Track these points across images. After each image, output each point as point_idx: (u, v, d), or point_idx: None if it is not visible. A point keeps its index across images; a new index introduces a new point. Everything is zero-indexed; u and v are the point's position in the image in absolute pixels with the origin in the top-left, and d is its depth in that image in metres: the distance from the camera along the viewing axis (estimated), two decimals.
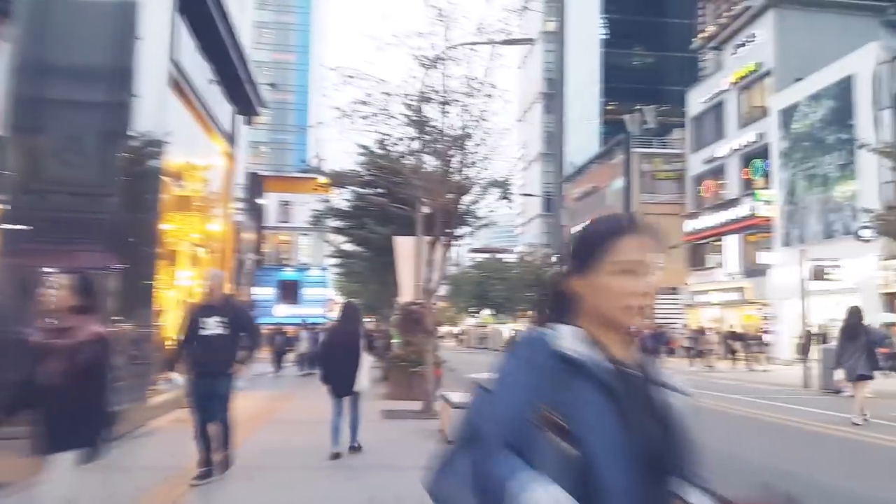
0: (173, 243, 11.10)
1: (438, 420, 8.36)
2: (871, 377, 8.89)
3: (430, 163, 10.19)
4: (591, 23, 54.45)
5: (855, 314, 9.49)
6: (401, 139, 10.10)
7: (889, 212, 12.69)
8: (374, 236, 16.20)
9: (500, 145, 10.11)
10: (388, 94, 9.70)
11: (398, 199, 15.25)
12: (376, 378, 11.80)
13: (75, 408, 3.05)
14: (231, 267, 14.15)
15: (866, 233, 18.17)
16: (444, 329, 75.00)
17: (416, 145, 9.96)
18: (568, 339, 1.14)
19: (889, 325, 15.28)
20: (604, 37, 52.87)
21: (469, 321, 64.06)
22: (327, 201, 18.67)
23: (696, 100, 31.51)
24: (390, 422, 8.79)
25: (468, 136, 9.49)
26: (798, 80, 23.11)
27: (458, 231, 17.10)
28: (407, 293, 14.37)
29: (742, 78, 27.33)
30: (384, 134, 10.14)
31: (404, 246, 14.79)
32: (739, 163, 27.58)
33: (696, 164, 31.35)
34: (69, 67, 7.76)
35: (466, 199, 14.38)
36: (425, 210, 13.56)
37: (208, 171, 13.19)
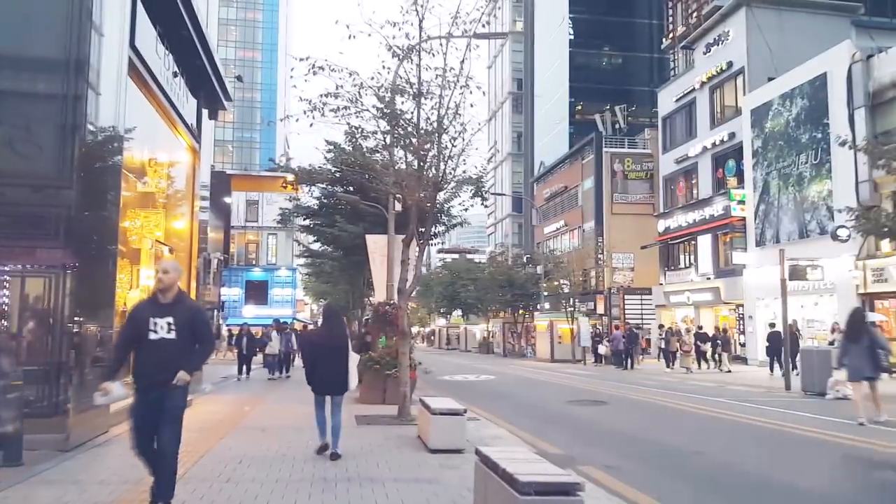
0: (135, 241, 10.53)
1: (416, 426, 8.02)
2: (876, 378, 9.05)
3: (404, 158, 9.82)
4: (559, 23, 54.73)
5: (857, 315, 9.68)
6: (373, 133, 9.70)
7: (870, 211, 12.77)
8: (343, 235, 15.77)
9: (474, 140, 9.81)
10: (359, 85, 9.30)
11: (369, 197, 14.89)
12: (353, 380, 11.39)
13: None
14: (196, 266, 13.53)
15: (843, 232, 18.39)
16: (414, 330, 74.84)
17: (388, 139, 9.57)
18: None
19: (872, 324, 15.38)
20: (570, 37, 53.17)
21: (439, 322, 63.83)
22: (296, 199, 18.13)
23: (667, 99, 31.79)
24: (365, 428, 8.40)
25: (444, 129, 9.15)
26: (770, 79, 23.40)
27: (433, 230, 16.83)
28: (379, 293, 13.99)
29: (713, 77, 27.62)
30: (354, 127, 9.71)
31: (376, 244, 14.41)
32: (712, 162, 27.87)
33: (667, 163, 31.63)
34: (20, 57, 7.36)
35: (440, 196, 14.13)
36: (398, 208, 13.22)
37: (172, 166, 12.58)
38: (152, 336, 4.16)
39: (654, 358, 25.96)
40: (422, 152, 9.25)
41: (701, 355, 21.78)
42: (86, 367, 7.11)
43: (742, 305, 25.04)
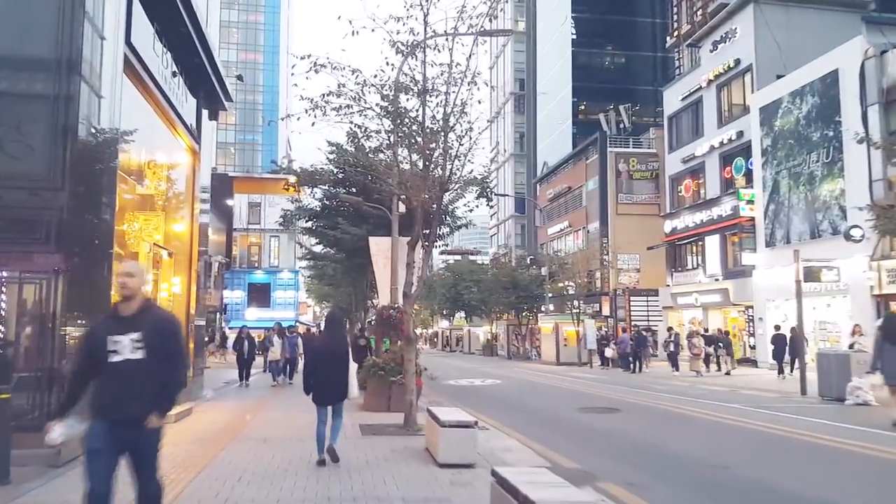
0: (133, 244, 10.22)
1: (423, 437, 7.68)
2: None
3: (408, 157, 9.51)
4: (561, 22, 54.40)
5: (893, 319, 9.79)
6: (377, 132, 9.38)
7: (892, 209, 12.34)
8: (346, 237, 15.46)
9: (480, 139, 9.50)
10: (362, 83, 9.00)
11: (373, 199, 14.58)
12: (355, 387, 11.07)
13: None
14: (197, 269, 13.22)
15: (856, 232, 17.98)
16: (417, 332, 74.49)
17: (392, 138, 9.25)
18: None
19: None
20: (573, 36, 52.83)
21: (442, 324, 63.42)
22: (298, 202, 17.83)
23: (673, 98, 31.41)
24: (370, 439, 8.06)
25: (450, 127, 8.83)
26: (779, 76, 23.00)
27: (438, 231, 16.51)
28: (384, 296, 13.67)
29: (720, 75, 27.23)
30: (357, 126, 9.39)
31: (380, 247, 14.11)
32: (719, 161, 27.47)
33: (673, 162, 31.24)
34: (10, 54, 7.16)
35: (446, 197, 13.83)
36: (402, 209, 12.90)
37: (171, 167, 12.29)
38: (113, 358, 3.29)
39: (661, 361, 25.53)
40: (427, 151, 8.93)
41: (706, 358, 21.43)
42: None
43: (751, 307, 24.63)
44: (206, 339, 24.77)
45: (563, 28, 54.24)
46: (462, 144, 8.88)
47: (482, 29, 11.57)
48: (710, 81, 28.04)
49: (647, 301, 33.99)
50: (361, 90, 9.06)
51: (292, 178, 17.31)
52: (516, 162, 61.72)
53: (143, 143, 10.04)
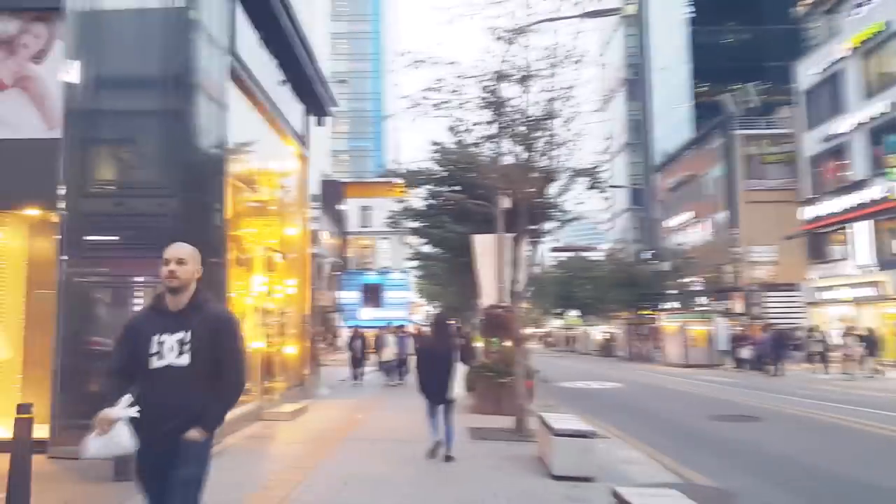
0: (246, 249, 10.60)
1: (535, 443, 7.13)
2: None
3: (510, 149, 9.02)
4: (674, 1, 51.04)
5: None
6: (476, 124, 8.96)
7: None
8: (451, 235, 15.19)
9: (588, 124, 8.77)
10: (460, 75, 8.67)
11: (476, 195, 14.19)
12: (465, 388, 10.77)
13: None
14: (310, 271, 13.60)
15: None
16: (528, 331, 73.46)
17: (493, 129, 8.80)
18: None
19: None
20: (690, 15, 49.30)
21: (554, 323, 61.85)
22: (403, 202, 17.90)
23: (807, 72, 28.17)
24: (479, 443, 7.64)
25: (553, 114, 8.22)
26: None
27: (544, 226, 15.78)
28: (488, 295, 13.22)
29: (865, 41, 23.92)
30: (458, 119, 9.02)
31: (484, 244, 13.66)
32: (867, 138, 24.14)
33: (811, 143, 27.98)
34: (125, 77, 7.40)
35: (552, 189, 13.12)
36: (506, 204, 12.39)
37: (281, 173, 12.69)
38: (155, 363, 2.76)
39: (800, 363, 22.88)
40: (529, 141, 8.39)
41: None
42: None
43: None
44: (319, 337, 25.81)
45: (677, 6, 50.90)
46: (569, 129, 8.23)
47: (588, 10, 10.85)
48: (853, 49, 24.77)
49: (786, 297, 30.73)
50: (460, 82, 8.74)
51: (398, 180, 17.43)
52: (632, 152, 58.86)
53: (254, 150, 10.37)
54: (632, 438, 8.30)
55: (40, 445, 5.77)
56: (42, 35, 7.46)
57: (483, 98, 8.69)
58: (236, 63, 8.85)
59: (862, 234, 24.18)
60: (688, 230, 40.59)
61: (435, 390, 6.66)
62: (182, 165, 7.21)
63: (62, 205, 6.81)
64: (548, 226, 16.29)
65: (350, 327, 28.17)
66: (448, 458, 6.48)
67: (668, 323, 32.08)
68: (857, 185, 24.16)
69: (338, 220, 35.32)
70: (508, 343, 10.65)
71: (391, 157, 49.51)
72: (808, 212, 27.32)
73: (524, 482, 5.71)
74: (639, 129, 58.97)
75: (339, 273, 38.71)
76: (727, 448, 7.88)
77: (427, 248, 21.19)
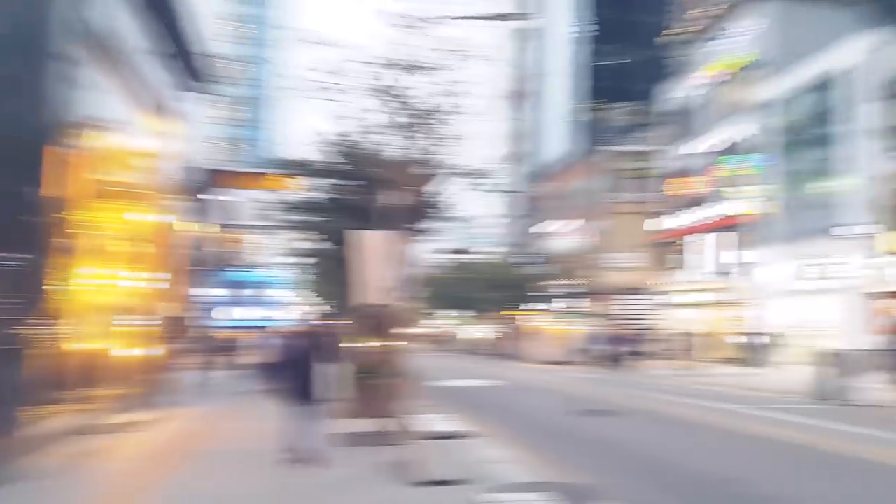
0: (87, 236, 9.38)
1: (403, 448, 6.91)
2: None
3: (395, 141, 8.78)
4: (563, 19, 53.86)
5: None
6: (364, 111, 8.61)
7: None
8: (331, 230, 14.63)
9: (476, 124, 8.77)
10: (349, 59, 8.30)
11: (359, 189, 13.79)
12: (333, 390, 10.30)
13: None
14: (170, 265, 12.41)
15: (858, 230, 17.44)
16: (406, 331, 73.70)
17: (379, 119, 8.52)
18: None
19: None
20: (575, 34, 52.30)
21: (433, 322, 62.67)
22: (281, 194, 17.03)
23: (673, 94, 30.81)
24: (351, 450, 7.32)
25: (441, 108, 8.10)
26: (784, 72, 22.39)
27: (427, 224, 15.70)
28: (366, 294, 12.88)
29: (723, 70, 26.61)
30: (344, 105, 8.61)
31: (364, 240, 13.31)
32: (719, 158, 26.86)
33: (667, 161, 30.64)
34: None
35: (436, 187, 13.02)
36: (389, 200, 12.13)
37: (140, 152, 11.48)
38: None
39: (653, 360, 24.93)
40: (415, 133, 8.20)
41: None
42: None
43: (748, 305, 24.03)
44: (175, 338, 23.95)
45: (565, 25, 53.68)
46: (456, 126, 8.15)
47: (485, 14, 10.90)
48: (711, 77, 27.42)
49: (640, 300, 33.43)
50: (348, 67, 8.37)
51: (279, 171, 16.53)
52: (514, 160, 61.05)
53: (107, 124, 9.23)
54: (501, 436, 8.37)
55: None
56: None
57: (371, 85, 8.38)
58: (87, 23, 7.80)
59: (710, 244, 26.85)
60: (560, 237, 42.87)
61: (299, 393, 6.43)
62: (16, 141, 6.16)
63: None
64: (430, 224, 16.27)
65: (215, 327, 26.52)
66: (313, 461, 6.34)
67: (537, 323, 33.63)
68: (708, 200, 26.77)
69: (210, 210, 32.99)
70: (385, 343, 10.39)
71: (274, 147, 47.37)
72: (665, 223, 29.88)
73: (384, 491, 5.47)
74: (522, 139, 61.38)
75: (207, 268, 36.22)
76: (590, 443, 8.20)
77: (306, 244, 20.39)
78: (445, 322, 54.84)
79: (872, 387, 11.24)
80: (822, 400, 11.85)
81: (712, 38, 27.36)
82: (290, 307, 49.15)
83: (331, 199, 15.42)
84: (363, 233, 13.19)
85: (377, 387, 9.80)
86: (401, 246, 9.12)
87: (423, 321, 66.59)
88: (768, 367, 19.85)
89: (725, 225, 25.23)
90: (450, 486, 5.50)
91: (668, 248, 30.27)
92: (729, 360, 21.52)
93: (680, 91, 29.85)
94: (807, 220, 20.72)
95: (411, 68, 8.21)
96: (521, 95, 61.68)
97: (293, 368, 6.60)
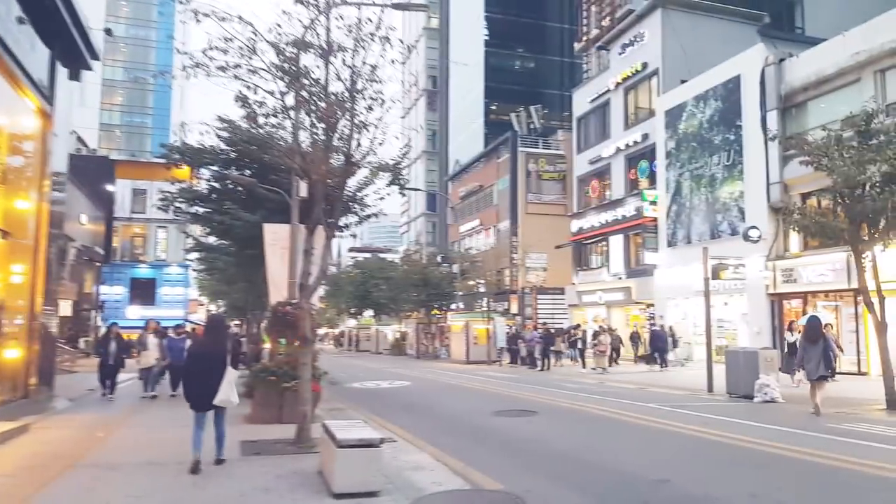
0: None
1: (318, 455, 6.37)
2: (829, 377, 10.25)
3: (308, 127, 8.16)
4: (474, 22, 54.37)
5: (815, 321, 10.66)
6: (270, 92, 7.89)
7: (800, 208, 12.56)
8: (237, 224, 13.64)
9: (390, 111, 8.30)
10: (253, 39, 7.57)
11: (269, 180, 12.92)
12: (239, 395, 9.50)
13: None
14: (46, 257, 10.99)
15: (754, 233, 18.55)
16: (322, 331, 71.74)
17: (288, 102, 7.86)
18: None
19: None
20: (485, 37, 52.97)
21: (349, 323, 61.30)
22: (182, 184, 15.70)
23: (582, 100, 31.74)
24: (252, 460, 6.62)
25: (357, 91, 7.59)
26: (683, 81, 23.58)
27: (343, 219, 15.04)
28: (278, 291, 12.09)
29: (628, 78, 27.69)
30: (248, 87, 7.83)
31: (276, 235, 12.49)
32: (625, 163, 27.94)
33: (581, 164, 31.57)
34: None
35: (352, 181, 12.44)
36: (302, 192, 11.41)
37: (11, 133, 10.10)
38: None
39: (569, 359, 25.49)
40: (330, 118, 7.62)
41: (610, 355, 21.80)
42: None
43: (653, 305, 25.15)
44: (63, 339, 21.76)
45: (475, 27, 54.14)
46: (372, 110, 7.66)
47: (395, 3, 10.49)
48: (617, 84, 28.48)
49: (554, 299, 34.23)
50: (252, 47, 7.61)
51: (178, 158, 15.21)
52: (428, 160, 60.96)
53: None
54: (420, 441, 7.98)
55: None
56: None
57: (277, 66, 7.67)
58: None
59: (616, 246, 27.85)
60: (475, 236, 43.18)
61: (203, 395, 6.08)
62: None
63: None
64: (346, 220, 15.61)
65: (109, 326, 24.33)
66: (219, 461, 6.22)
67: (453, 322, 33.57)
68: (614, 203, 27.77)
69: (104, 202, 30.30)
70: (296, 343, 9.72)
71: (175, 136, 44.32)
72: (575, 225, 30.75)
73: None
74: (436, 139, 61.43)
75: (100, 264, 33.29)
76: (512, 445, 7.97)
77: (211, 239, 19.03)
78: (362, 322, 53.76)
79: (777, 384, 11.84)
80: (732, 397, 12.38)
81: (621, 46, 28.42)
82: (191, 305, 46.35)
83: (238, 191, 14.42)
84: (277, 226, 12.40)
85: (288, 390, 9.16)
86: (315, 241, 8.52)
87: (341, 322, 65.11)
88: (678, 366, 20.78)
89: (633, 226, 26.24)
90: (369, 497, 5.05)
91: (581, 249, 31.15)
92: (641, 359, 22.34)
93: (590, 96, 30.79)
94: (709, 223, 21.91)
95: (324, 50, 7.65)
96: (434, 95, 61.75)
97: (195, 370, 6.25)
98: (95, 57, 12.49)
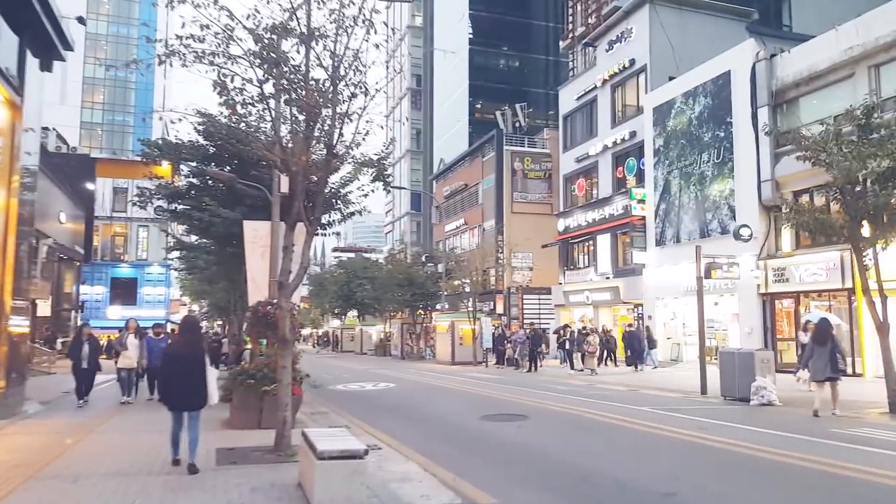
0: None
1: (297, 463, 5.97)
2: (838, 378, 10.09)
3: (289, 118, 7.75)
4: (458, 20, 54.06)
5: (825, 323, 10.65)
6: (248, 80, 7.44)
7: (798, 204, 12.33)
8: (217, 221, 13.16)
9: (375, 105, 7.88)
10: (230, 27, 7.17)
11: (249, 176, 12.45)
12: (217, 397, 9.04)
13: None
14: (14, 254, 10.45)
15: (745, 232, 18.35)
16: (305, 332, 70.90)
17: (268, 90, 7.42)
18: None
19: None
20: (470, 35, 52.71)
21: (333, 323, 60.65)
22: (159, 180, 15.14)
23: (568, 98, 31.47)
24: (228, 470, 6.19)
25: (339, 77, 7.19)
26: (671, 77, 23.38)
27: (326, 217, 14.59)
28: (259, 290, 11.63)
29: (615, 75, 27.45)
30: (225, 75, 7.37)
31: (256, 232, 12.04)
32: (612, 161, 27.70)
33: (567, 162, 31.31)
34: None
35: (336, 177, 12.02)
36: (283, 188, 10.97)
37: None
38: None
39: (552, 359, 25.22)
40: (312, 106, 7.21)
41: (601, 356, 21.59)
42: None
43: (641, 305, 24.95)
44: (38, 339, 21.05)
45: (460, 26, 53.81)
46: (355, 96, 7.26)
47: None
48: (604, 81, 28.24)
49: (540, 299, 33.96)
50: (230, 35, 7.21)
51: (157, 154, 14.67)
52: (412, 158, 60.53)
53: None
54: (407, 448, 7.59)
55: None
56: None
57: (256, 53, 7.25)
58: None
59: (604, 245, 27.62)
60: (460, 235, 42.83)
61: (180, 397, 6.21)
62: None
63: None
64: (330, 218, 15.17)
65: (87, 326, 23.61)
66: (192, 469, 6.00)
67: (439, 322, 33.17)
68: (602, 202, 27.55)
69: (84, 201, 29.47)
70: (277, 345, 9.28)
71: (157, 134, 43.37)
72: (561, 224, 30.49)
73: None
74: (420, 138, 61.01)
75: (80, 263, 32.45)
76: (504, 453, 7.61)
77: (192, 238, 18.48)
78: (349, 323, 53.18)
79: (774, 386, 11.58)
80: (727, 399, 12.11)
81: (608, 43, 28.20)
82: (172, 305, 45.53)
83: (218, 187, 13.93)
84: (257, 223, 11.94)
85: (267, 394, 8.72)
86: (296, 238, 8.12)
87: (325, 322, 64.40)
88: (669, 367, 20.57)
89: (621, 225, 26.03)
90: None
91: (568, 248, 30.90)
92: (631, 360, 22.07)
93: (576, 93, 30.55)
94: (699, 221, 21.73)
95: (305, 36, 7.24)
96: (419, 93, 61.30)
97: (171, 371, 6.34)
98: (69, 47, 11.96)
